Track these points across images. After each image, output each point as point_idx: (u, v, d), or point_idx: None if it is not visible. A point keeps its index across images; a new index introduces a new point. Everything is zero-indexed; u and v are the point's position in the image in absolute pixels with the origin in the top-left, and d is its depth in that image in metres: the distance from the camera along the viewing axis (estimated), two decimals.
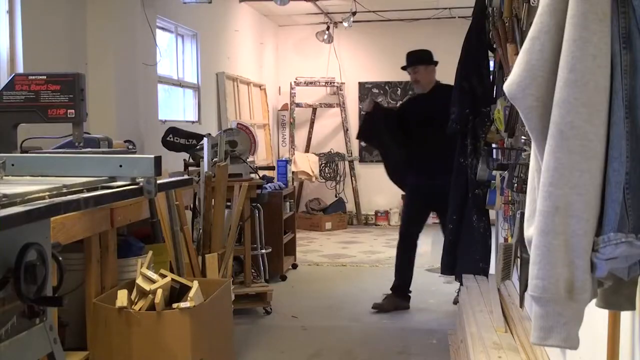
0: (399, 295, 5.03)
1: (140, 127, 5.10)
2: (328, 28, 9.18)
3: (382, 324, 4.69)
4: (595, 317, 1.77)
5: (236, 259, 5.01)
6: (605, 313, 1.69)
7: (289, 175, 6.74)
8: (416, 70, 5.08)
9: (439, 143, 4.80)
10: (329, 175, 9.64)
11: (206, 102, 6.88)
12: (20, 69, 3.81)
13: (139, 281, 2.93)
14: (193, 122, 6.58)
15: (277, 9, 8.15)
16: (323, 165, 9.60)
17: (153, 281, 2.93)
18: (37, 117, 2.62)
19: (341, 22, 9.02)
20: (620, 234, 1.32)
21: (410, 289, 5.08)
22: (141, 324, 2.82)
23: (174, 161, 4.85)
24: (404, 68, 5.18)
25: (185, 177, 3.81)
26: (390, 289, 5.07)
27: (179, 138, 4.71)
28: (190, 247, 3.65)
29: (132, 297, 2.93)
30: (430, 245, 7.85)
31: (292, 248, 6.59)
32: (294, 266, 6.52)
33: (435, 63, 5.13)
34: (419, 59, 5.10)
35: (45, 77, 2.63)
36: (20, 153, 2.75)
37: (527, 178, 1.69)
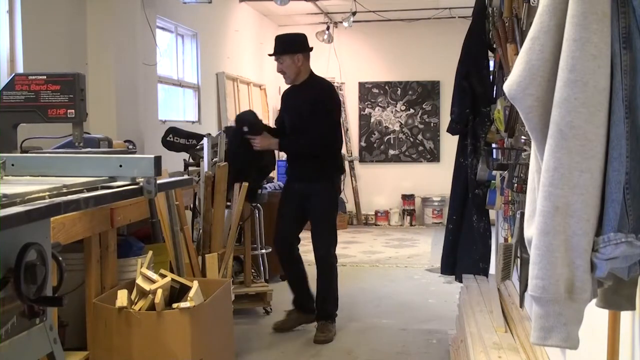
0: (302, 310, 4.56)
1: (140, 127, 5.10)
2: (328, 28, 9.18)
3: (382, 324, 4.69)
4: (595, 317, 1.77)
5: (236, 259, 5.01)
6: (605, 313, 1.69)
7: None
8: (281, 60, 4.41)
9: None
10: None
11: (206, 102, 6.89)
12: (20, 69, 3.81)
13: (139, 281, 2.93)
14: (193, 122, 6.58)
15: (277, 9, 8.16)
16: None
17: (153, 281, 2.93)
18: (37, 117, 2.63)
19: (341, 22, 9.02)
20: (620, 234, 1.32)
21: (408, 289, 5.04)
22: (141, 324, 2.82)
23: (174, 161, 4.85)
24: (271, 55, 4.53)
25: (185, 177, 3.81)
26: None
27: (179, 138, 4.70)
28: (190, 247, 3.65)
29: (132, 297, 2.93)
30: (430, 245, 7.86)
31: None
32: None
33: (308, 49, 4.45)
34: (283, 49, 4.41)
35: (45, 77, 2.63)
36: (20, 153, 2.76)
37: (527, 178, 1.69)
